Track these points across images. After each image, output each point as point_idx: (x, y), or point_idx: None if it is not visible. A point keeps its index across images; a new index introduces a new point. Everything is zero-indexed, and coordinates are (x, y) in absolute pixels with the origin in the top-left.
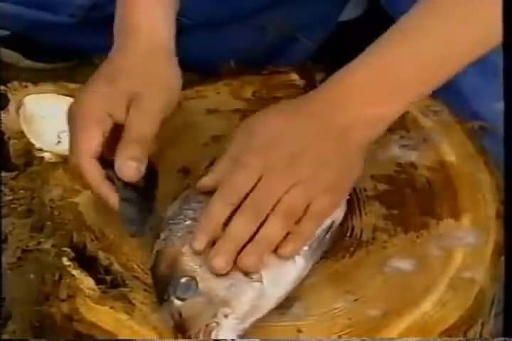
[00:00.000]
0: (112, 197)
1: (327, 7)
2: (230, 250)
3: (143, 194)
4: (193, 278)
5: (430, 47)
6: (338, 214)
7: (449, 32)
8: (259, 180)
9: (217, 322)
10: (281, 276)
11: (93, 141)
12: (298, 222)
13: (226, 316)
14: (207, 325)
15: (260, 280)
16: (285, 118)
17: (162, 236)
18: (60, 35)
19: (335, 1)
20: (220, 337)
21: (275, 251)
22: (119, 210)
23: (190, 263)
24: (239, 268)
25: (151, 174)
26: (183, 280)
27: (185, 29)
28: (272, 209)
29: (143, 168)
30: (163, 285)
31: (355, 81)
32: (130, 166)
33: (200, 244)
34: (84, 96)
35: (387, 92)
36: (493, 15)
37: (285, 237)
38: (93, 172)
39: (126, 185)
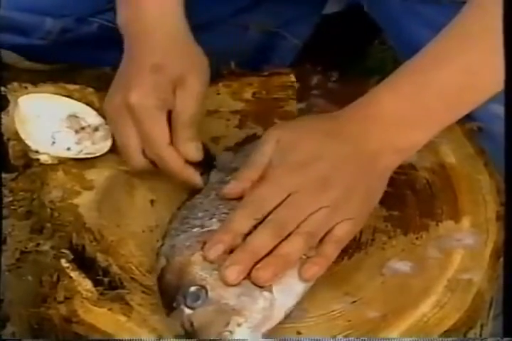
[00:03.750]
0: (197, 177)
1: (308, 3)
2: (245, 261)
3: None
4: (203, 287)
5: (460, 76)
6: None
7: (478, 60)
8: (286, 198)
9: (230, 331)
10: (290, 286)
11: (165, 129)
12: (316, 246)
13: (239, 325)
14: (220, 334)
15: (270, 290)
16: (321, 138)
17: (169, 244)
18: (42, 52)
19: None
20: None
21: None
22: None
23: (199, 272)
24: (252, 279)
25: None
26: (193, 289)
27: None
28: (296, 228)
29: (201, 145)
30: (172, 293)
31: (387, 108)
32: (193, 146)
33: (215, 252)
34: (134, 87)
35: (418, 120)
36: None
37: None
38: (176, 158)
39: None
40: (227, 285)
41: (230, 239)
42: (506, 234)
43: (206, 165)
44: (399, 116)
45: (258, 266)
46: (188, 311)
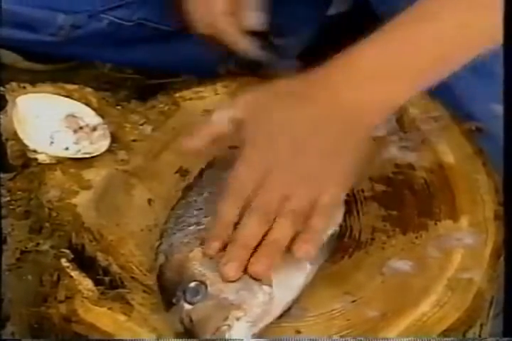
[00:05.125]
0: (248, 45)
1: (312, 5)
2: (240, 256)
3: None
4: (202, 282)
5: (443, 33)
6: (340, 220)
7: (462, 18)
8: (265, 177)
9: (228, 325)
10: (289, 280)
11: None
12: (306, 219)
13: (238, 319)
14: (218, 328)
15: (270, 284)
16: (285, 104)
17: (167, 243)
18: (49, 49)
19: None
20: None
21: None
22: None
23: (199, 267)
24: (250, 274)
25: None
26: (192, 284)
27: (168, 37)
28: (281, 208)
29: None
30: (171, 290)
31: (363, 63)
32: (252, 15)
33: (213, 249)
34: None
35: (399, 74)
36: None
37: (296, 238)
38: (230, 26)
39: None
40: (227, 281)
41: (222, 233)
42: (506, 234)
43: (266, 40)
44: (379, 69)
45: (252, 260)
46: (187, 306)
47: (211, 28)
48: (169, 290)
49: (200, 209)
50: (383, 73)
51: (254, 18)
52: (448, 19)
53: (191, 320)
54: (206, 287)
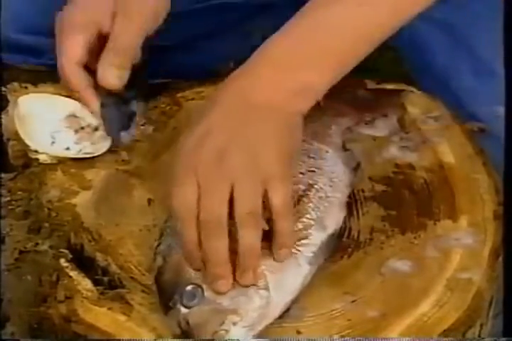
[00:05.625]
0: (94, 102)
1: None
2: (221, 273)
3: (124, 101)
4: (199, 286)
5: (353, 10)
6: (341, 221)
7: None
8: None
9: (225, 330)
10: (286, 283)
11: (77, 47)
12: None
13: (235, 324)
14: (215, 333)
15: (266, 288)
16: (205, 109)
17: (165, 243)
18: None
19: None
20: None
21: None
22: (100, 114)
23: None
24: (241, 285)
25: (136, 83)
26: (189, 287)
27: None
28: (232, 215)
29: (125, 76)
30: (169, 292)
31: (272, 52)
32: (112, 73)
33: (195, 268)
34: (73, 3)
35: (311, 61)
36: None
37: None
38: (77, 77)
39: (109, 92)
40: (222, 294)
41: (192, 255)
42: (505, 234)
43: (131, 95)
44: (289, 58)
45: (236, 275)
46: (184, 310)
47: (61, 74)
48: (167, 292)
49: None
50: (293, 58)
51: (111, 76)
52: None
53: (188, 324)
54: (203, 291)
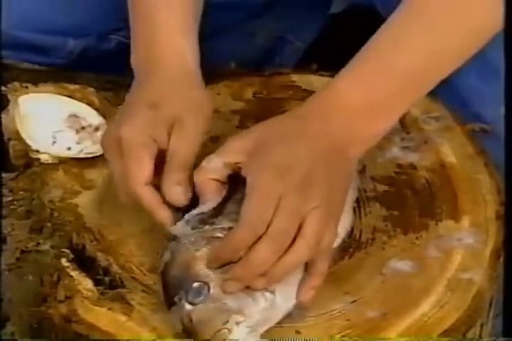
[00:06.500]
0: (170, 223)
1: (313, 7)
2: (245, 278)
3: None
4: (206, 284)
5: (421, 56)
6: (350, 226)
7: (430, 42)
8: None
9: (228, 329)
10: (293, 288)
11: (146, 168)
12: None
13: (238, 324)
14: (218, 331)
15: (272, 292)
16: (291, 140)
17: (176, 240)
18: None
19: (320, 2)
20: None
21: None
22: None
23: (204, 268)
24: (252, 288)
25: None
26: (196, 284)
27: None
28: (298, 237)
29: (190, 192)
30: (174, 288)
31: (348, 99)
32: (178, 191)
33: (214, 265)
34: (127, 121)
35: (381, 108)
36: (476, 24)
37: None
38: (151, 199)
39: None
40: (226, 293)
41: (229, 255)
42: (506, 234)
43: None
44: (361, 106)
45: (267, 277)
46: (188, 307)
47: (132, 194)
48: (172, 288)
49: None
50: (363, 110)
51: (177, 193)
52: (416, 48)
53: (191, 321)
54: (209, 289)
